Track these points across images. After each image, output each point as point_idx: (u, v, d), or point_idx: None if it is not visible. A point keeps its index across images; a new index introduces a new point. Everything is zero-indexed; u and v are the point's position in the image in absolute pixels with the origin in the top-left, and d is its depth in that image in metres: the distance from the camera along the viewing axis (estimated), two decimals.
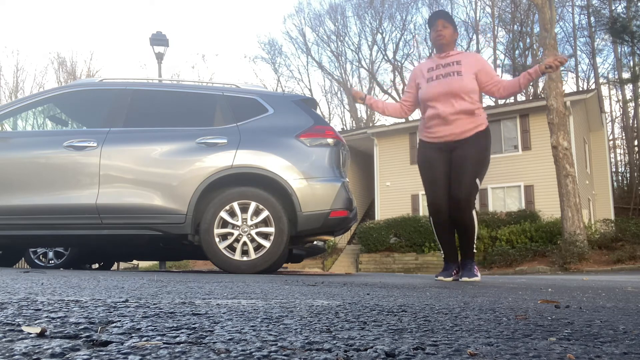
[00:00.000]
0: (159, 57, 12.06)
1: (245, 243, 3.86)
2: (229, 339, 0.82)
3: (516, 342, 0.88)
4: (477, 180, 3.46)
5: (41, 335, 0.80)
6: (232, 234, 3.87)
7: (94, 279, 2.35)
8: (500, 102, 20.38)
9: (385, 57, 35.47)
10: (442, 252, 3.74)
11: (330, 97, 50.51)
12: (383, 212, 19.40)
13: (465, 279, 3.49)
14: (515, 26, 30.38)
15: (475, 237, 3.58)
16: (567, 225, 12.97)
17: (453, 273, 3.64)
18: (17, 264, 6.01)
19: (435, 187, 3.55)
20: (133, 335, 0.83)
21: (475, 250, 3.63)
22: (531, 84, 28.21)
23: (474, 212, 3.51)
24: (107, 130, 4.04)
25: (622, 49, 25.45)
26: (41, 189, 3.88)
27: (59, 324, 0.91)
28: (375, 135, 20.23)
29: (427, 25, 3.66)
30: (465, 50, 25.33)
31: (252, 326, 0.97)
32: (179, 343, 0.78)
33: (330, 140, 4.09)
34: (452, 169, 3.51)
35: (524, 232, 15.00)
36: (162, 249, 5.57)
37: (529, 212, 16.18)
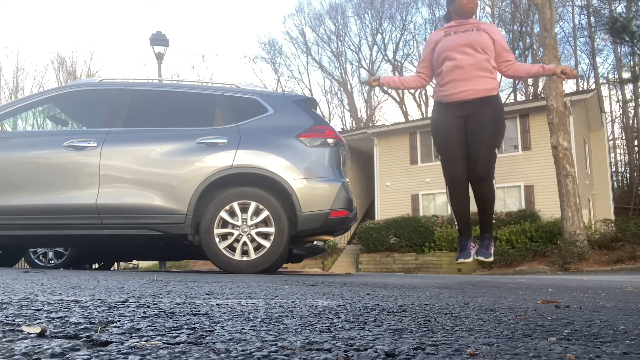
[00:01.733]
0: (159, 57, 12.06)
1: (245, 243, 3.86)
2: (229, 339, 0.82)
3: (516, 342, 0.88)
4: (496, 149, 3.40)
5: (41, 335, 0.80)
6: (232, 234, 3.87)
7: (94, 279, 2.35)
8: None
9: (385, 57, 35.52)
10: (456, 224, 3.63)
11: (330, 97, 50.55)
12: (383, 212, 19.39)
13: (481, 257, 3.44)
14: (515, 26, 30.38)
15: (494, 209, 3.50)
16: (567, 225, 12.97)
17: (470, 248, 3.55)
18: (17, 264, 6.01)
19: (451, 156, 3.45)
20: (133, 335, 0.83)
21: (494, 221, 3.55)
22: (530, 82, 28.22)
23: (493, 182, 3.43)
24: (107, 130, 4.04)
25: (622, 49, 25.45)
26: (41, 189, 3.88)
27: (59, 324, 0.91)
28: (375, 135, 20.23)
29: None
30: None
31: (252, 326, 0.97)
32: (179, 343, 0.78)
33: (330, 140, 4.09)
34: (469, 138, 3.40)
35: (524, 232, 15.00)
36: (162, 249, 5.57)
37: (529, 212, 16.17)
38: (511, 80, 29.96)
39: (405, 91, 33.51)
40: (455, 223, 3.66)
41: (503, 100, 19.64)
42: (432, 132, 3.62)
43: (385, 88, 4.50)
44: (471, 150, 3.39)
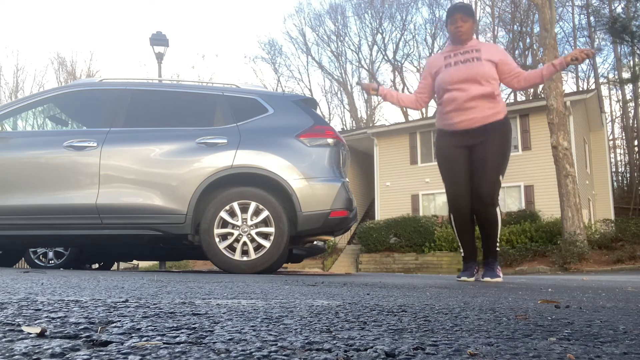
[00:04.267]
0: (159, 57, 12.06)
1: (245, 243, 3.86)
2: (229, 339, 0.82)
3: (516, 342, 0.88)
4: (500, 177, 3.38)
5: (41, 335, 0.80)
6: (232, 234, 3.87)
7: (94, 279, 2.35)
8: None
9: (385, 57, 35.53)
10: (461, 250, 3.63)
11: (330, 97, 50.62)
12: (383, 212, 19.39)
13: (487, 279, 3.41)
14: (515, 26, 30.38)
15: (499, 235, 3.49)
16: (567, 225, 12.97)
17: (475, 272, 3.56)
18: (17, 264, 6.01)
19: (456, 183, 3.44)
20: (133, 335, 0.83)
21: (498, 249, 3.54)
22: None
23: (497, 209, 3.42)
24: (107, 130, 4.04)
25: (622, 49, 25.44)
26: (41, 189, 3.88)
27: (59, 324, 0.91)
28: (375, 135, 20.23)
29: (445, 16, 3.55)
30: None
31: (252, 326, 0.97)
32: (179, 343, 0.78)
33: (330, 140, 4.08)
34: (474, 165, 3.41)
35: (524, 232, 15.01)
36: (162, 249, 5.57)
37: (529, 212, 16.18)
38: None
39: (406, 92, 33.49)
40: (461, 250, 3.66)
41: (504, 101, 19.64)
42: (437, 160, 3.63)
43: (380, 98, 4.51)
44: (476, 179, 3.39)
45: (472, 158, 3.43)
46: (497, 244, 3.52)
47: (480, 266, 3.63)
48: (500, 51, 3.50)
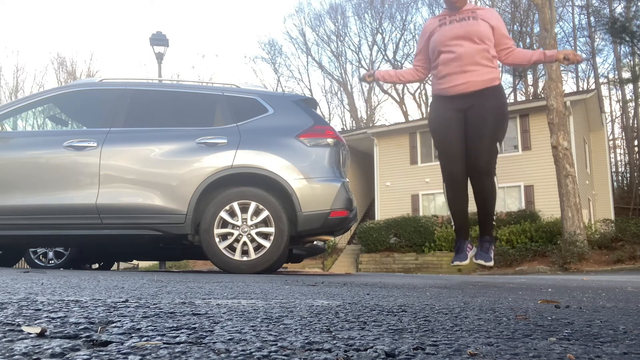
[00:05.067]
0: (159, 57, 12.06)
1: (245, 243, 3.85)
2: (229, 339, 0.82)
3: (516, 342, 0.88)
4: (497, 144, 3.23)
5: (41, 335, 0.80)
6: (232, 234, 3.87)
7: (94, 279, 2.35)
8: None
9: (385, 57, 35.52)
10: (453, 224, 3.47)
11: (330, 97, 50.64)
12: (383, 212, 19.39)
13: (480, 261, 3.29)
14: (515, 26, 30.37)
15: (495, 209, 3.33)
16: (567, 225, 12.97)
17: (467, 250, 3.41)
18: (17, 264, 6.01)
19: (450, 152, 3.28)
20: (133, 335, 0.83)
21: (494, 223, 3.39)
22: (530, 81, 28.18)
23: (495, 179, 3.25)
24: (107, 130, 4.04)
25: (622, 49, 25.45)
26: (41, 189, 3.88)
27: (59, 324, 0.91)
28: (375, 135, 20.23)
29: None
30: None
31: (252, 326, 0.97)
32: (179, 343, 0.78)
33: (330, 140, 4.08)
34: (469, 133, 3.23)
35: (524, 232, 15.01)
36: (162, 249, 5.57)
37: (529, 212, 16.18)
38: (511, 80, 30.01)
39: (406, 91, 33.51)
40: (452, 223, 3.52)
41: None
42: (430, 127, 3.45)
43: (381, 83, 4.41)
44: (471, 145, 3.22)
45: (467, 123, 3.26)
46: (494, 219, 3.37)
47: (472, 243, 3.48)
48: (497, 18, 3.34)
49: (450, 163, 3.29)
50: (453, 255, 3.53)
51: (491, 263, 3.33)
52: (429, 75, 3.58)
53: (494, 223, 3.41)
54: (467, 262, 3.40)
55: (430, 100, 3.68)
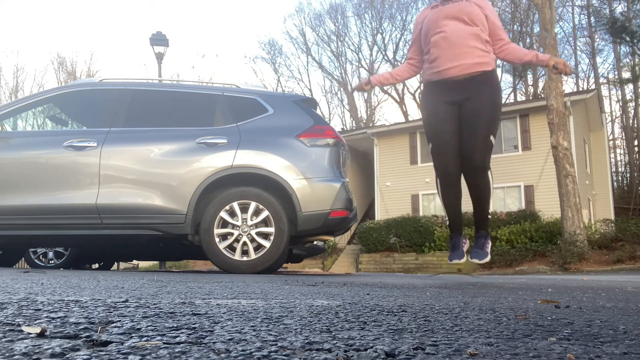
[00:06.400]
0: (159, 57, 12.06)
1: (245, 243, 3.86)
2: (229, 339, 0.82)
3: (516, 342, 0.88)
4: (492, 138, 3.17)
5: (41, 335, 0.80)
6: (232, 234, 3.87)
7: (94, 279, 2.35)
8: None
9: (385, 57, 35.52)
10: (446, 219, 3.43)
11: (330, 97, 50.64)
12: (383, 212, 19.40)
13: (475, 260, 3.26)
14: (515, 26, 30.37)
15: (490, 203, 3.29)
16: (567, 225, 12.97)
17: (463, 245, 3.39)
18: (17, 264, 6.01)
19: (443, 142, 3.21)
20: (133, 335, 0.83)
21: (489, 216, 3.35)
22: (530, 81, 28.17)
23: (489, 173, 3.20)
24: (107, 130, 4.04)
25: (622, 49, 25.44)
26: (41, 189, 3.88)
27: (59, 324, 0.91)
28: (375, 135, 20.23)
29: None
30: None
31: (252, 326, 0.97)
32: (179, 343, 0.78)
33: (330, 140, 4.09)
34: (463, 126, 3.17)
35: (524, 232, 15.00)
36: (162, 249, 5.57)
37: (529, 212, 16.18)
38: (511, 80, 30.00)
39: (406, 91, 33.52)
40: (446, 219, 3.46)
41: (503, 101, 19.64)
42: (423, 119, 3.37)
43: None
44: (465, 139, 3.17)
45: (461, 115, 3.19)
46: (489, 212, 3.34)
47: (467, 238, 3.46)
48: (492, 9, 3.29)
49: (443, 157, 3.24)
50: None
51: (487, 258, 3.31)
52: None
53: (489, 217, 3.38)
54: (464, 260, 3.38)
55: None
